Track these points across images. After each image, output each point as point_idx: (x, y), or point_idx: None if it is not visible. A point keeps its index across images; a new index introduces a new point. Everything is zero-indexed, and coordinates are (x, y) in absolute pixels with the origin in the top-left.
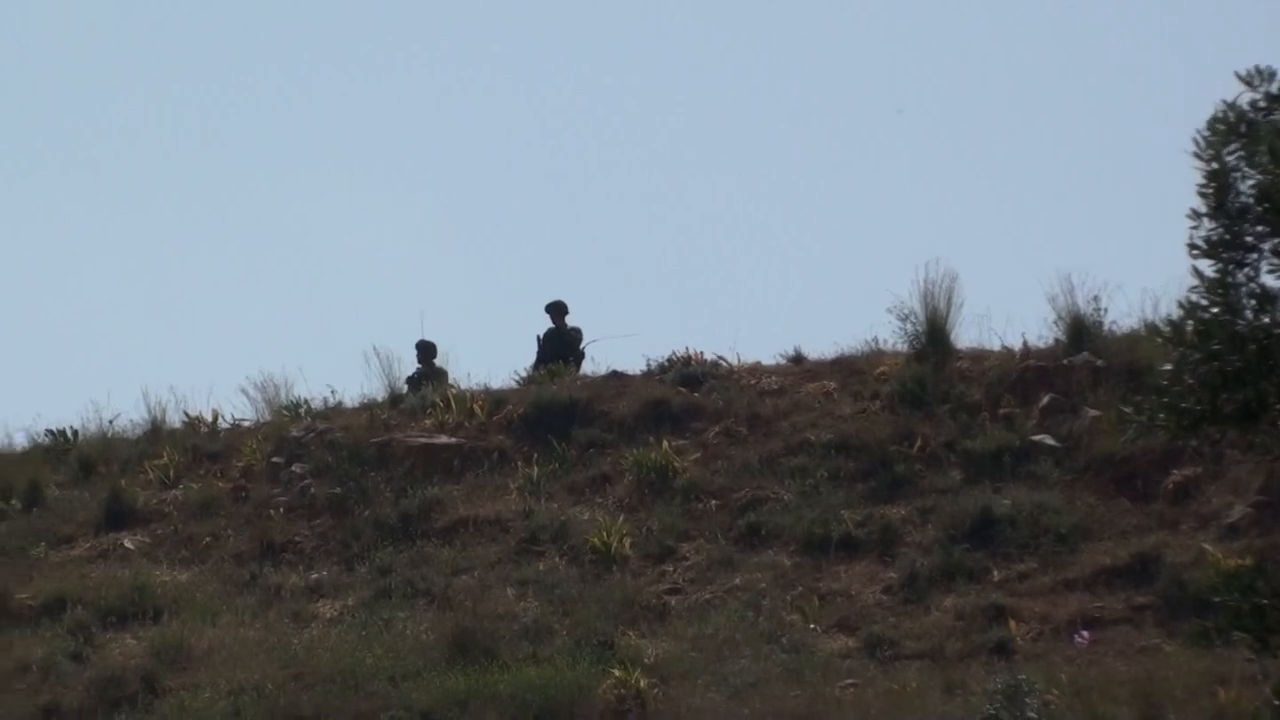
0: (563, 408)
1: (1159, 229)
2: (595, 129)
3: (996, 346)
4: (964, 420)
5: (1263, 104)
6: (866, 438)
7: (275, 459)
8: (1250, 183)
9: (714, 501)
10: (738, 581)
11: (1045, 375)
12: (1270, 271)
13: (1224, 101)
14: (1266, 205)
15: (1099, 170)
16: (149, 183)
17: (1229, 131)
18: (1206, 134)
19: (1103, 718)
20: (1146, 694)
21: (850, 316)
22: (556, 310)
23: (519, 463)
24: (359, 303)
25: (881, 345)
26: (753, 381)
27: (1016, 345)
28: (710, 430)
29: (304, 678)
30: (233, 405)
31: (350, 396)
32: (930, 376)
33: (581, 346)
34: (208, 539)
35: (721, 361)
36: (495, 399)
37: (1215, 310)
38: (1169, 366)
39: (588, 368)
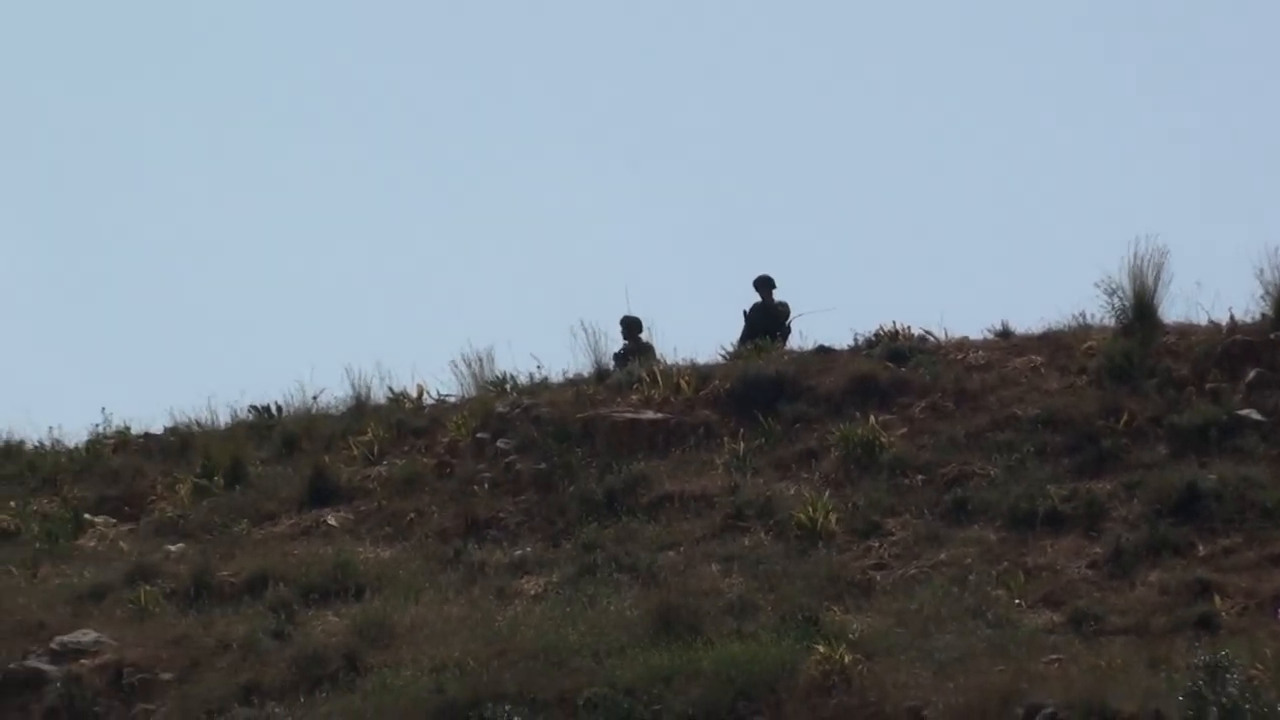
0: (769, 383)
1: None
2: (803, 102)
3: (1203, 321)
4: (1170, 395)
5: None
6: (1073, 413)
7: (480, 435)
8: None
9: (920, 477)
10: (943, 557)
11: (1252, 350)
12: None
13: None
14: None
15: None
16: (355, 156)
17: None
18: None
19: None
20: None
21: (1058, 291)
22: (764, 285)
23: (725, 438)
24: (566, 277)
25: (1089, 320)
26: (960, 356)
27: (1223, 320)
28: (917, 405)
29: (507, 655)
30: (438, 381)
31: (556, 372)
32: (1137, 351)
33: (788, 321)
34: (411, 515)
35: (929, 336)
36: (701, 374)
37: None
38: None
39: (794, 342)
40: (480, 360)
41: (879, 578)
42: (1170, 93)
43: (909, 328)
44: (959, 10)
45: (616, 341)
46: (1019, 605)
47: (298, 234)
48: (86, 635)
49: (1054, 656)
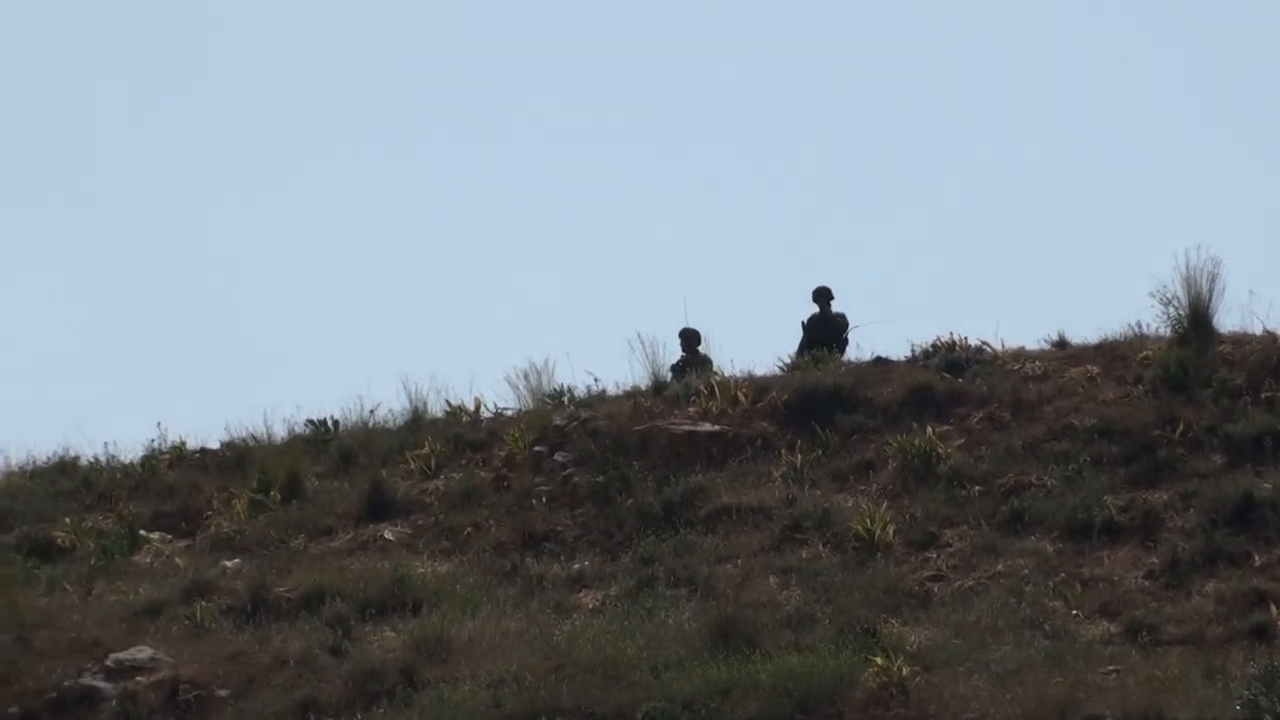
0: (827, 394)
1: None
2: (860, 113)
3: (1258, 331)
4: (1226, 404)
5: None
6: (1129, 422)
7: (538, 448)
8: None
9: (977, 487)
10: (1000, 568)
11: None
12: None
13: None
14: None
15: None
16: (410, 169)
17: None
18: None
19: None
20: None
21: (1114, 301)
22: (822, 296)
23: (782, 450)
24: (624, 289)
25: (1145, 330)
26: (1016, 367)
27: (1278, 329)
28: (974, 416)
29: (565, 669)
30: (495, 394)
31: (613, 384)
32: (1193, 361)
33: (846, 333)
34: (469, 529)
35: (985, 347)
36: (759, 386)
37: None
38: None
39: (851, 353)
40: (538, 373)
41: (936, 589)
42: (1225, 100)
43: (966, 338)
44: (1014, 19)
45: (674, 353)
46: (1076, 616)
47: (354, 247)
48: (142, 652)
49: (1111, 667)
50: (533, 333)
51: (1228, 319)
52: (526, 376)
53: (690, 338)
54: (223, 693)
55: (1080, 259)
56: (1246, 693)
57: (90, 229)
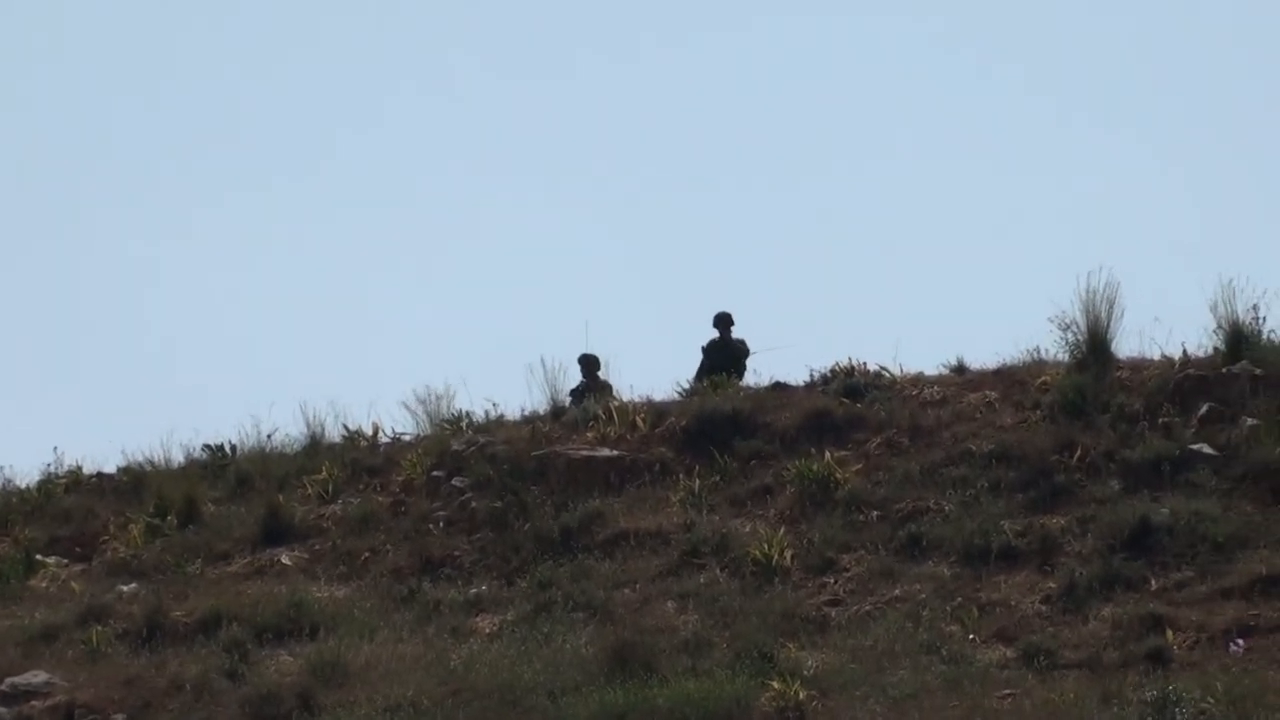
0: (725, 419)
1: None
2: (759, 139)
3: (1156, 356)
4: (1123, 430)
5: None
6: (1027, 448)
7: (435, 473)
8: None
9: (875, 512)
10: (897, 592)
11: (1204, 384)
12: None
13: None
14: None
15: (1261, 174)
16: (307, 193)
17: None
18: None
19: None
20: None
21: (1012, 327)
22: (722, 322)
23: (680, 475)
24: (522, 314)
25: (1043, 355)
26: (915, 392)
27: (1176, 354)
28: (872, 441)
29: (462, 694)
30: (393, 418)
31: (512, 409)
32: (1091, 386)
33: (746, 359)
34: (366, 554)
35: (884, 372)
36: (657, 411)
37: None
38: None
39: (750, 379)
40: (436, 398)
41: (834, 614)
42: (1123, 128)
43: (864, 364)
44: (915, 45)
45: (573, 379)
46: (973, 640)
47: (251, 272)
48: (38, 676)
49: (1007, 691)
50: (431, 358)
51: (1126, 344)
52: (424, 402)
53: (590, 363)
54: (119, 717)
55: (979, 284)
56: (1142, 717)
57: None
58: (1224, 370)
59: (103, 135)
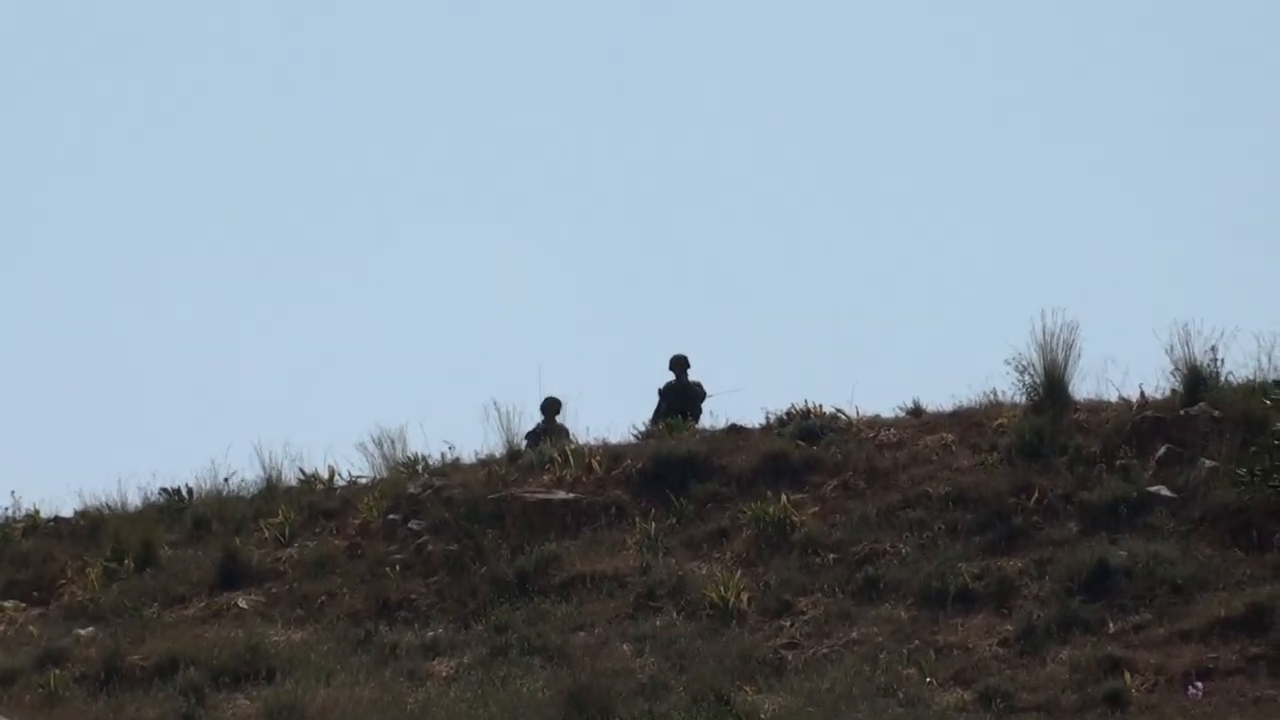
0: (681, 462)
1: (1275, 270)
2: (713, 181)
3: (1114, 398)
4: (1081, 472)
5: None
6: (984, 490)
7: (392, 516)
8: None
9: (831, 555)
10: (854, 635)
11: (1162, 426)
12: None
13: None
14: None
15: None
16: (263, 236)
17: None
18: None
19: None
20: None
21: (969, 368)
22: (679, 364)
23: (637, 518)
24: (477, 356)
25: (1000, 397)
26: (871, 434)
27: (1134, 396)
28: (829, 484)
29: None
30: (349, 462)
31: (468, 452)
32: (1048, 428)
33: (702, 402)
34: (323, 598)
35: (840, 414)
36: (613, 454)
37: None
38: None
39: (705, 421)
40: (391, 440)
41: (790, 657)
42: (1080, 167)
43: (820, 406)
44: (867, 89)
45: (529, 421)
46: (930, 684)
47: (206, 315)
48: None
49: None
50: (386, 401)
51: (1084, 386)
52: (380, 444)
53: (552, 406)
54: None
55: (935, 327)
56: None
57: None
58: (1182, 412)
59: (60, 175)
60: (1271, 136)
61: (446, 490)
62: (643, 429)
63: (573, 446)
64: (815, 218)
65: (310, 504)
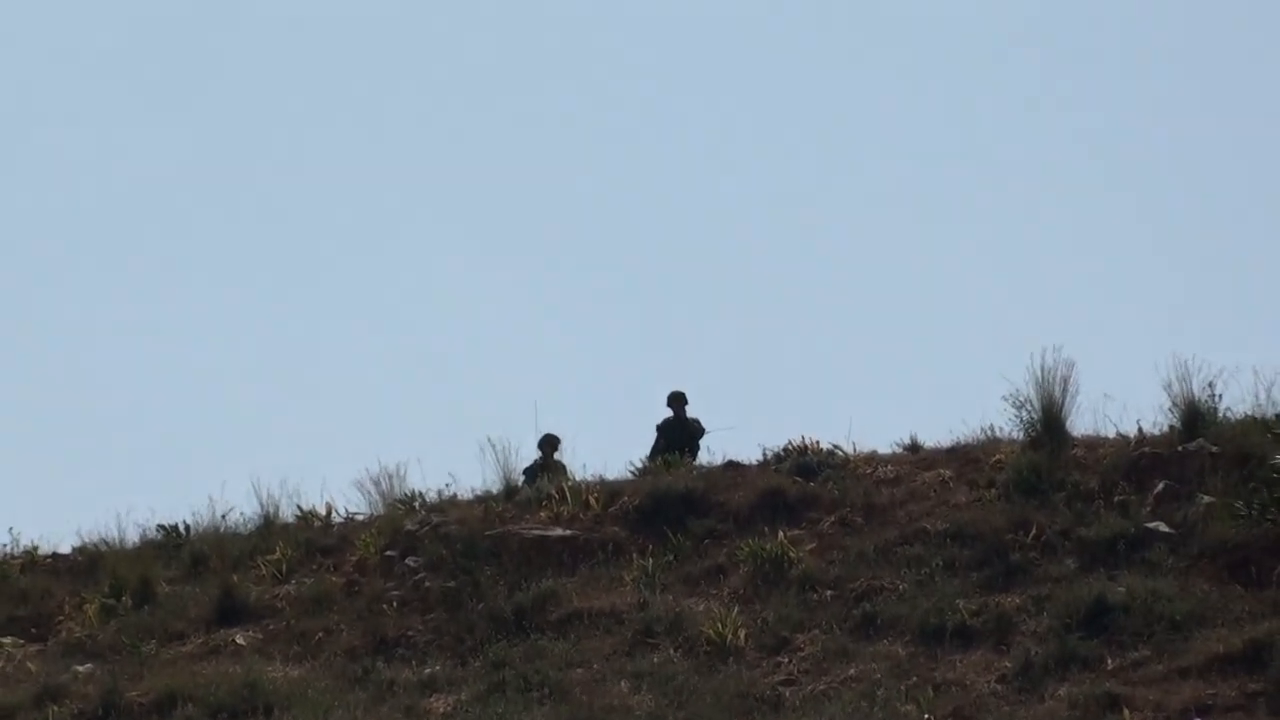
0: (678, 498)
1: (1273, 307)
2: (710, 216)
3: (1112, 434)
4: (1079, 508)
5: None
6: (982, 526)
7: (389, 552)
8: None
9: (829, 591)
10: (852, 672)
11: (1160, 462)
12: None
13: None
14: None
15: (1213, 253)
16: (261, 274)
17: None
18: None
19: None
20: None
21: (966, 405)
22: (677, 400)
23: (634, 554)
24: (474, 392)
25: (998, 433)
26: (869, 471)
27: (1132, 432)
28: (826, 520)
29: None
30: (346, 498)
31: (465, 489)
32: (1046, 465)
33: (700, 438)
34: (320, 634)
35: (838, 450)
36: (610, 490)
37: None
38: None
39: (703, 457)
40: (389, 477)
41: (788, 694)
42: (1077, 204)
43: (818, 442)
44: (860, 120)
45: (526, 457)
46: None
47: (204, 351)
48: None
49: None
50: (384, 437)
51: (1081, 422)
52: (377, 481)
53: (551, 442)
54: None
55: (933, 363)
56: None
57: None
58: (1180, 448)
59: (58, 206)
60: (1272, 171)
61: (444, 527)
62: (640, 465)
63: (570, 483)
64: (813, 255)
65: (308, 541)
